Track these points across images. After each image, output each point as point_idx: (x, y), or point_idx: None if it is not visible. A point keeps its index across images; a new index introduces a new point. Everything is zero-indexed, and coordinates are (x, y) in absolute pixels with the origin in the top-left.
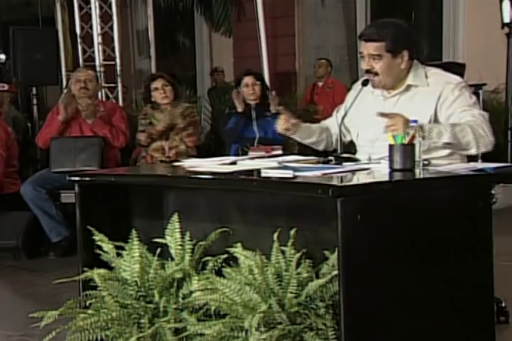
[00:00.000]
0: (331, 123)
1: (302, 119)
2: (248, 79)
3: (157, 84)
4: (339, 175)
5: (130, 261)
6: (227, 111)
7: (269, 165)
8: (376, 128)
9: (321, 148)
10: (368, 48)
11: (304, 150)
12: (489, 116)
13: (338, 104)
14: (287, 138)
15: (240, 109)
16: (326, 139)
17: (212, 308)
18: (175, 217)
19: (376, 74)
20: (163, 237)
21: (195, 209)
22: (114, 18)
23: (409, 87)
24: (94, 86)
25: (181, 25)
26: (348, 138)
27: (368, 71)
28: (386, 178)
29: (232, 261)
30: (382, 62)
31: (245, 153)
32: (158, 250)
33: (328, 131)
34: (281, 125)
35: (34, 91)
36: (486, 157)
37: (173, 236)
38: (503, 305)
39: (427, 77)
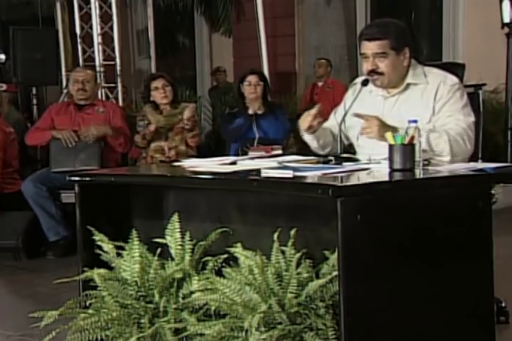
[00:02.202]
0: (332, 125)
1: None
2: (252, 78)
3: (157, 83)
4: (339, 175)
5: (130, 261)
6: (228, 111)
7: (269, 165)
8: None
9: (325, 151)
10: (371, 47)
11: (304, 150)
12: (489, 116)
13: (338, 103)
14: (287, 138)
15: (251, 111)
16: (332, 143)
17: (212, 308)
18: (175, 217)
19: (381, 73)
20: (163, 237)
21: (195, 209)
22: (114, 18)
23: (408, 85)
24: (92, 86)
25: (181, 25)
26: (348, 142)
27: (372, 71)
28: (386, 178)
29: (232, 261)
30: (387, 61)
31: (245, 153)
32: (158, 250)
33: (333, 134)
34: (308, 121)
35: (34, 91)
36: (486, 157)
37: (173, 236)
38: (503, 305)
39: (425, 75)
